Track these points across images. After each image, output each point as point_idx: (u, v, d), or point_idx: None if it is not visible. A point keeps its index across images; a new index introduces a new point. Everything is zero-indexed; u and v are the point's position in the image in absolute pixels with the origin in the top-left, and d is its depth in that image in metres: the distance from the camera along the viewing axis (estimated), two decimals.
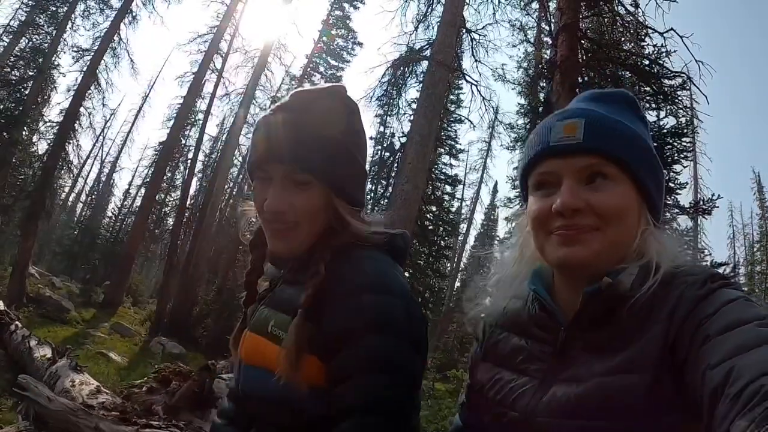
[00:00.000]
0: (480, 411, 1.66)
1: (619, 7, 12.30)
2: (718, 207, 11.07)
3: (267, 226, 1.74)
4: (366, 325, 1.50)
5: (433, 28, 16.96)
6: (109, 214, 44.94)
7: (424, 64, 15.75)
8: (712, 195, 11.09)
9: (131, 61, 27.02)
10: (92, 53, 24.36)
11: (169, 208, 37.14)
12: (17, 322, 10.05)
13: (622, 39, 12.55)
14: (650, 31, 11.87)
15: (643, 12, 12.31)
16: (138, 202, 36.92)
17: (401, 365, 1.52)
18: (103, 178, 49.73)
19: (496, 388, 1.59)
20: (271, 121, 1.74)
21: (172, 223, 30.95)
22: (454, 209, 30.53)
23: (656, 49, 11.49)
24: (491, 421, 1.58)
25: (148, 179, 32.29)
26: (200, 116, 29.86)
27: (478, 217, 50.22)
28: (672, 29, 11.17)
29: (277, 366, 1.52)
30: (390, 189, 18.15)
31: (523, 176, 1.61)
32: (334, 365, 1.52)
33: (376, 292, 1.56)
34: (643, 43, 12.21)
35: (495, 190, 50.86)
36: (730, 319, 1.17)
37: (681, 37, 11.08)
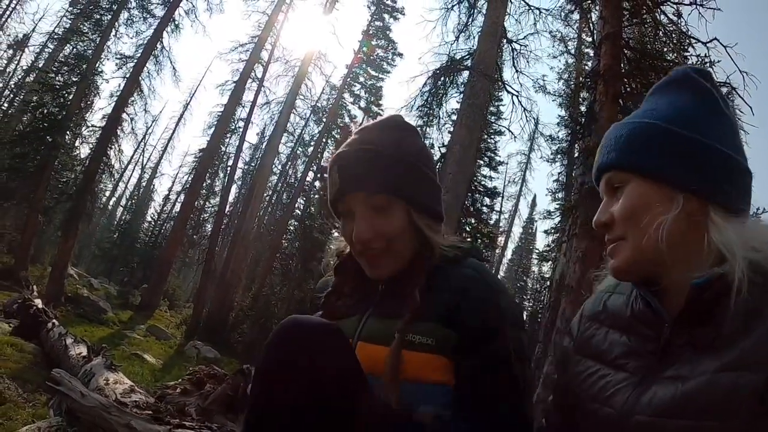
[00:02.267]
0: (568, 407, 1.61)
1: (662, 17, 12.07)
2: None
3: (360, 258, 1.85)
4: (508, 323, 1.67)
5: (474, 37, 16.85)
6: (149, 218, 45.51)
7: (465, 74, 15.63)
8: (757, 209, 10.85)
9: (173, 68, 27.25)
10: (135, 60, 24.61)
11: (207, 214, 37.30)
12: (54, 321, 10.09)
13: (665, 49, 12.41)
14: (693, 41, 11.66)
15: (685, 21, 12.08)
16: (177, 207, 37.43)
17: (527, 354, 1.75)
18: (144, 184, 50.37)
19: (590, 382, 1.53)
20: (342, 156, 1.85)
21: (210, 229, 31.04)
22: (492, 222, 30.24)
23: (699, 59, 11.26)
24: (582, 417, 1.51)
25: (187, 185, 32.57)
26: (240, 124, 29.93)
27: (516, 230, 50.03)
28: (716, 39, 10.96)
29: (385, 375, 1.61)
30: None
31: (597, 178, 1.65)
32: (475, 361, 1.63)
33: (502, 294, 1.75)
34: (686, 53, 11.99)
35: (534, 203, 50.35)
36: None
37: (725, 47, 10.87)
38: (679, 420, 1.24)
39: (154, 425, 4.71)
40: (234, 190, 35.99)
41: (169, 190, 47.96)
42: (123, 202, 51.84)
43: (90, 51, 25.89)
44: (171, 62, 26.93)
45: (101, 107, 26.89)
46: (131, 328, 18.36)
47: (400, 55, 32.33)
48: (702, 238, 1.36)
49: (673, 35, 12.00)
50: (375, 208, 1.79)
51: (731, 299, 1.26)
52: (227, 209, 30.64)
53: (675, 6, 11.84)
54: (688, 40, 11.75)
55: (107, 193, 45.86)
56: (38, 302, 11.50)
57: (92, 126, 25.48)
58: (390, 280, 1.87)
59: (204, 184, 32.68)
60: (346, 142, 1.92)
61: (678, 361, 1.34)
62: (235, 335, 22.44)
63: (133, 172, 49.62)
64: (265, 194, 33.08)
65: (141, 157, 48.64)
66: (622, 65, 10.55)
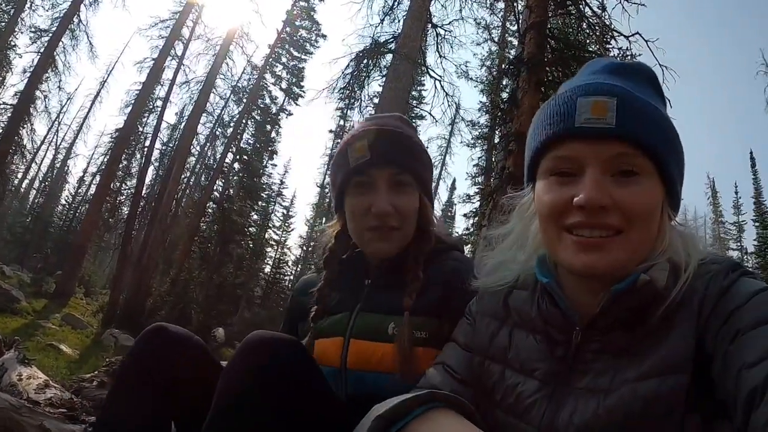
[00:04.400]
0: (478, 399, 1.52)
1: (586, 9, 12.32)
2: None
3: (370, 230, 1.96)
4: None
5: (399, 21, 16.81)
6: (63, 201, 44.67)
7: (389, 57, 15.68)
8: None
9: (90, 44, 26.70)
10: (50, 34, 23.94)
11: (124, 196, 36.56)
12: None
13: (588, 41, 12.62)
14: (616, 34, 11.95)
15: (609, 15, 12.39)
16: (92, 190, 36.58)
17: None
18: (58, 165, 48.75)
19: (502, 389, 1.46)
20: (372, 132, 1.99)
21: (126, 212, 30.39)
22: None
23: (621, 51, 11.59)
24: (497, 425, 1.43)
25: (103, 167, 31.86)
26: (158, 103, 29.51)
27: (436, 213, 50.18)
28: (638, 33, 11.32)
29: (394, 367, 1.76)
30: None
31: (535, 156, 1.42)
32: None
33: None
34: (608, 45, 12.24)
35: (453, 187, 50.84)
36: (762, 313, 1.10)
37: (646, 41, 11.23)
38: None
39: (69, 425, 4.51)
40: (151, 171, 35.19)
41: (84, 171, 46.93)
42: (36, 184, 50.14)
43: (3, 23, 24.97)
44: (88, 37, 26.39)
45: (13, 83, 25.83)
46: (46, 318, 17.87)
47: (324, 36, 32.32)
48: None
49: (597, 27, 12.28)
50: (399, 184, 1.98)
51: (658, 305, 1.24)
52: (144, 191, 29.94)
53: None
54: (611, 33, 12.06)
55: (19, 175, 44.21)
56: None
57: (3, 104, 24.61)
58: (383, 267, 2.04)
59: (120, 166, 32.08)
60: (367, 123, 2.10)
61: (593, 369, 1.31)
62: (153, 322, 21.64)
63: (46, 152, 48.19)
64: (183, 176, 32.49)
65: (55, 137, 47.22)
66: (545, 54, 10.69)
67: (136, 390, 1.78)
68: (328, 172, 2.22)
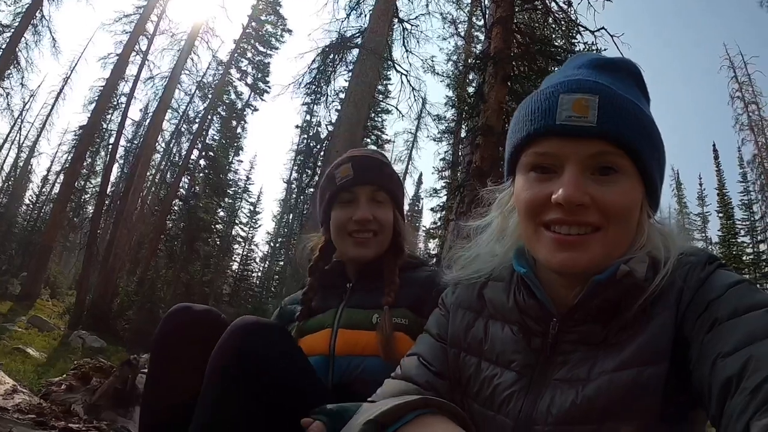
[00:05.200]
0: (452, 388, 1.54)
1: (552, 4, 12.49)
2: None
3: (352, 237, 2.31)
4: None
5: (365, 16, 16.86)
6: (27, 201, 43.77)
7: (355, 52, 15.76)
8: None
9: (53, 39, 26.24)
10: (12, 30, 23.43)
11: (89, 195, 36.15)
12: None
13: (554, 35, 12.80)
14: (582, 28, 12.11)
15: (575, 10, 12.58)
16: (57, 189, 35.93)
17: None
18: (21, 164, 47.81)
19: (479, 382, 1.46)
20: (356, 156, 2.41)
21: (91, 211, 29.93)
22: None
23: (587, 46, 11.73)
24: (479, 422, 1.42)
25: (67, 165, 31.32)
26: (123, 100, 29.11)
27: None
28: (603, 28, 11.46)
29: (380, 350, 2.04)
30: (316, 178, 18.02)
31: (515, 151, 1.41)
32: None
33: None
34: (574, 40, 12.42)
35: (420, 182, 50.59)
36: (739, 304, 1.11)
37: (612, 36, 11.37)
38: (583, 425, 1.22)
39: (38, 430, 4.52)
40: (116, 169, 34.65)
41: (48, 170, 46.16)
42: None
43: None
44: (51, 33, 25.98)
45: None
46: (12, 321, 17.69)
47: (290, 31, 32.19)
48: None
49: (563, 22, 12.44)
50: (377, 200, 2.35)
51: (637, 296, 1.24)
52: (109, 190, 29.52)
53: None
54: (576, 28, 12.22)
55: None
56: None
57: None
58: (363, 273, 2.35)
59: (85, 164, 31.55)
60: (351, 152, 2.49)
61: (571, 360, 1.31)
62: (121, 322, 21.81)
63: (9, 151, 47.00)
64: (149, 173, 32.24)
65: (17, 135, 46.07)
66: (512, 49, 10.75)
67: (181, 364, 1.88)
68: (317, 196, 2.58)
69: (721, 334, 1.09)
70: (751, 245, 34.84)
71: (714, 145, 39.09)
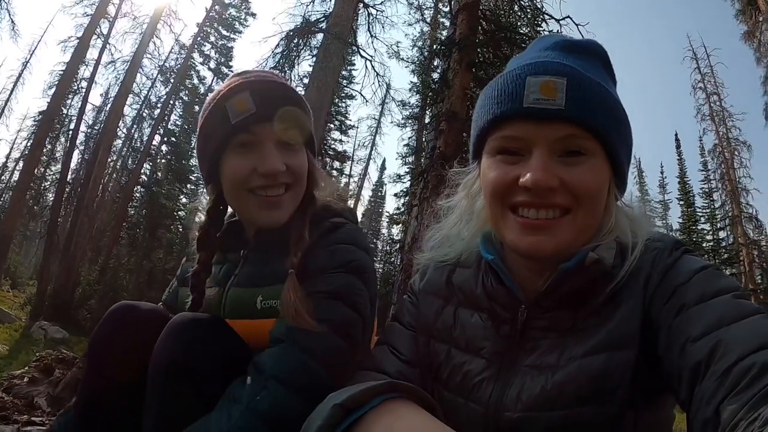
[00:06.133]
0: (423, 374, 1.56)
1: None
2: None
3: (257, 195, 1.81)
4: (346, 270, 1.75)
5: (330, 0, 16.73)
6: None
7: (320, 36, 15.76)
8: None
9: (12, 22, 25.78)
10: None
11: (48, 182, 35.68)
12: None
13: (519, 23, 12.94)
14: (547, 17, 12.37)
15: None
16: (16, 176, 35.34)
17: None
18: None
19: (449, 368, 1.48)
20: (253, 81, 1.80)
21: (52, 198, 29.54)
22: (342, 185, 30.91)
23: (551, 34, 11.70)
24: (450, 409, 1.43)
25: (26, 152, 30.84)
26: (83, 84, 28.69)
27: (366, 193, 51.16)
28: (569, 17, 11.74)
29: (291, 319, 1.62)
30: None
31: (481, 134, 1.41)
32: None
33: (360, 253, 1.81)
34: (539, 28, 12.58)
35: (383, 167, 52.12)
36: (706, 289, 1.14)
37: (577, 25, 11.64)
38: (553, 411, 1.23)
39: (0, 425, 4.51)
40: (76, 155, 34.12)
41: (7, 157, 45.32)
42: None
43: None
44: (10, 15, 25.71)
45: None
46: None
47: (254, 15, 31.93)
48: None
49: (529, 10, 12.70)
50: (288, 143, 1.83)
51: (605, 283, 1.27)
52: (70, 177, 29.15)
53: None
54: (542, 16, 12.47)
55: None
56: None
57: None
58: (263, 234, 1.92)
59: (44, 150, 31.15)
60: (243, 76, 1.87)
61: (540, 346, 1.33)
62: (83, 312, 21.62)
63: None
64: (110, 160, 31.71)
65: None
66: (477, 35, 10.82)
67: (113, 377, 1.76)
68: (198, 140, 1.95)
69: (689, 319, 1.11)
70: (711, 232, 35.73)
71: (676, 135, 39.97)
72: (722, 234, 35.12)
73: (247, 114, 1.75)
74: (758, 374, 0.92)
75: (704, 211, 36.11)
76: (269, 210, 1.82)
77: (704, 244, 33.66)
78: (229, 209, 2.08)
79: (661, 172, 45.68)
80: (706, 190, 36.71)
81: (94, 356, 1.80)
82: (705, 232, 35.69)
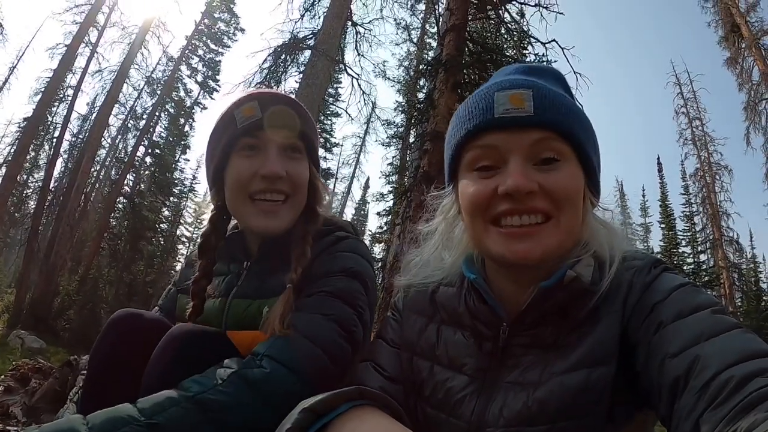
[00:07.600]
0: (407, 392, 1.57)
1: (506, 15, 12.79)
2: None
3: (255, 202, 1.85)
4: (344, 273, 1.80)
5: (319, 17, 16.91)
6: None
7: (307, 53, 15.75)
8: None
9: (1, 26, 25.46)
10: None
11: (31, 190, 35.29)
12: None
13: (505, 45, 13.07)
14: (533, 40, 12.37)
15: (527, 21, 13.08)
16: None
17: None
18: None
19: (431, 385, 1.50)
20: (263, 93, 1.88)
21: (33, 206, 29.30)
22: (325, 202, 31.05)
23: (537, 57, 11.92)
24: (432, 424, 1.47)
25: (9, 158, 30.54)
26: (69, 92, 28.53)
27: (349, 211, 51.45)
28: (554, 40, 11.73)
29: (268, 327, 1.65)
30: None
31: (454, 154, 1.46)
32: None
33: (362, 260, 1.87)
34: (525, 51, 12.71)
35: (367, 185, 51.96)
36: (683, 306, 1.16)
37: (562, 48, 11.68)
38: (534, 427, 1.25)
39: None
40: (60, 164, 34.00)
41: None
42: None
43: None
44: None
45: None
46: None
47: (243, 30, 32.11)
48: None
49: (515, 33, 12.80)
50: (290, 150, 1.91)
51: (584, 300, 1.29)
52: (52, 185, 28.89)
53: (519, 6, 12.61)
54: (528, 39, 12.57)
55: None
56: None
57: None
58: (266, 247, 1.95)
59: (28, 157, 30.76)
60: (254, 89, 2.00)
61: (521, 363, 1.35)
62: (61, 322, 21.47)
63: None
64: (93, 169, 31.47)
65: None
66: (463, 56, 10.89)
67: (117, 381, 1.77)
68: (206, 149, 2.00)
69: (667, 335, 1.13)
70: (691, 255, 35.78)
71: (658, 158, 40.05)
72: (703, 257, 35.36)
73: (253, 119, 1.83)
74: (736, 387, 0.94)
75: (685, 234, 36.28)
76: (266, 217, 1.85)
77: (685, 267, 33.66)
78: (233, 221, 2.11)
79: (643, 196, 45.83)
80: (688, 213, 36.88)
81: (97, 366, 1.83)
82: (686, 255, 35.82)
